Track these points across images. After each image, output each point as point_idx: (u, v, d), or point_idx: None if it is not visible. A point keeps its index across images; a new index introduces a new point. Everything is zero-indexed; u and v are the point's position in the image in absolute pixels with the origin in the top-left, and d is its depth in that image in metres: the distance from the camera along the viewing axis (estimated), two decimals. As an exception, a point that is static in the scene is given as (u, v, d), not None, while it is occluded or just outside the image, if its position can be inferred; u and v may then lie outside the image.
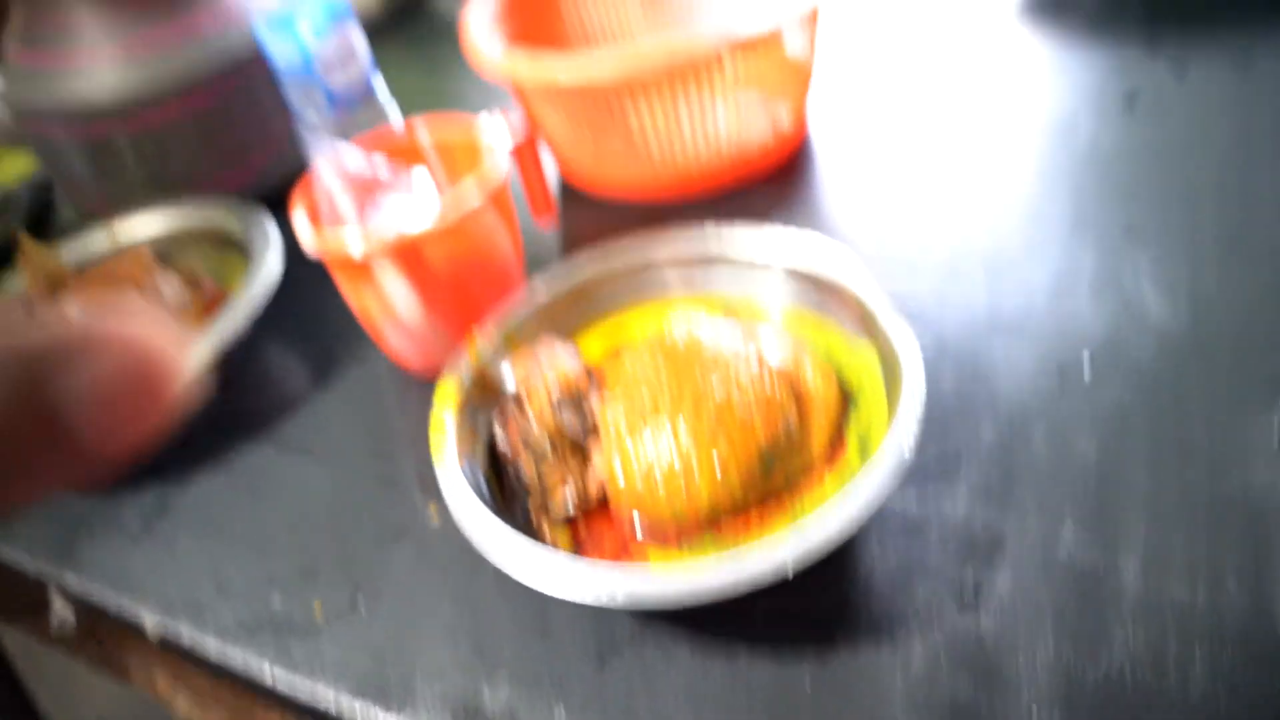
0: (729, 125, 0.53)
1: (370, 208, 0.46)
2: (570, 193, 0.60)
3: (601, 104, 0.52)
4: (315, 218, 0.46)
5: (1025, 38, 0.67)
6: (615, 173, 0.57)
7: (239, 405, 0.50)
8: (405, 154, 0.49)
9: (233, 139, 0.64)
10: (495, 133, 0.46)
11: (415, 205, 0.45)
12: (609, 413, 0.36)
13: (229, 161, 0.65)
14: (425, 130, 0.49)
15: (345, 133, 0.58)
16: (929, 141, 0.58)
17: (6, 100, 0.65)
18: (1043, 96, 0.60)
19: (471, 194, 0.42)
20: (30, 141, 0.67)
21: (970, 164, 0.56)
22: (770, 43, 0.50)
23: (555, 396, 0.36)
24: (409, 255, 0.42)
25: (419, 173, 0.47)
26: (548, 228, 0.56)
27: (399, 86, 0.67)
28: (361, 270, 0.43)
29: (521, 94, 0.55)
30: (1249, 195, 0.49)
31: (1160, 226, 0.48)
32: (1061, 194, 0.52)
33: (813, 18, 0.53)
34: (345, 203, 0.47)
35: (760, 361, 0.36)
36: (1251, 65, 0.59)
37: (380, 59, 0.64)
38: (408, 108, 0.66)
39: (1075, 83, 0.61)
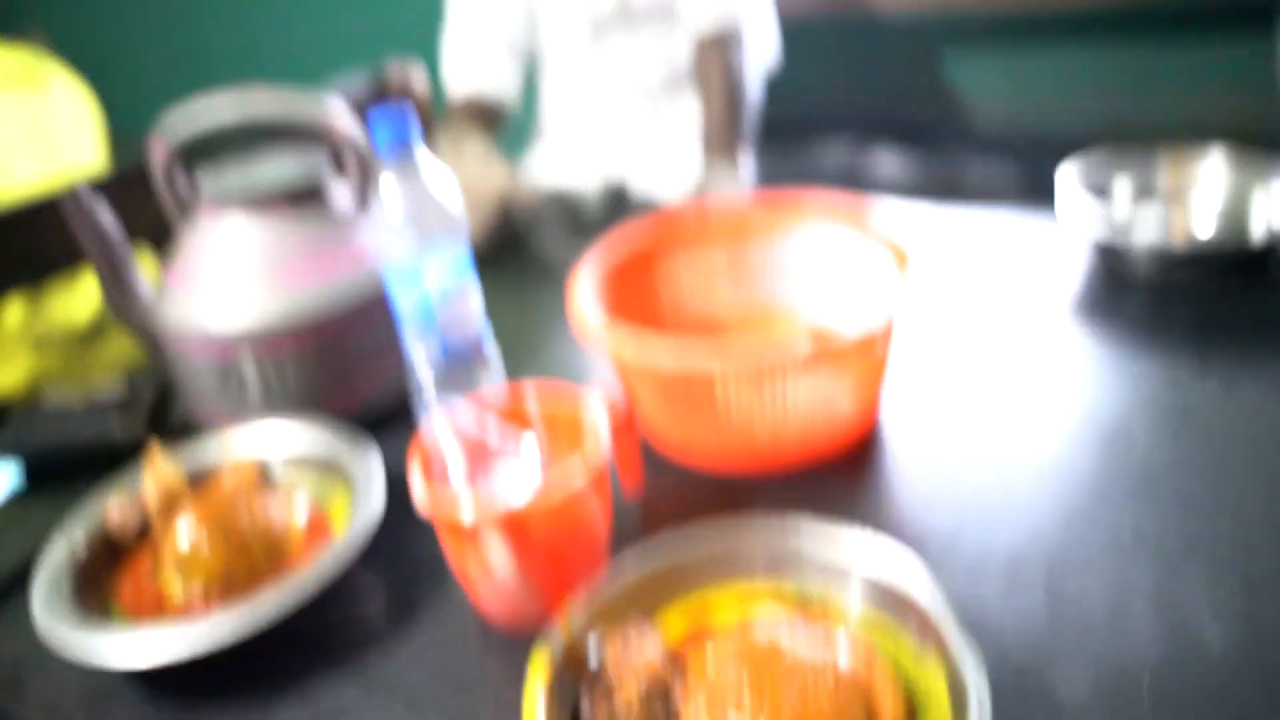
0: (808, 411, 0.58)
1: (478, 468, 0.51)
2: (652, 456, 0.64)
3: (693, 385, 0.57)
4: (428, 471, 0.50)
5: (1079, 339, 0.72)
6: (699, 445, 0.62)
7: (327, 636, 0.53)
8: (512, 415, 0.54)
9: (346, 367, 0.71)
10: (599, 412, 0.51)
11: (521, 474, 0.50)
12: (692, 707, 0.38)
13: (340, 386, 0.71)
14: (534, 397, 0.54)
15: (453, 381, 0.63)
16: (991, 437, 0.62)
17: (151, 312, 0.72)
18: (1099, 402, 0.64)
19: (577, 474, 0.47)
20: (163, 350, 0.74)
21: (1030, 464, 0.59)
22: (854, 345, 0.56)
23: (642, 687, 0.39)
24: (513, 526, 0.46)
25: (527, 441, 0.52)
26: (633, 499, 0.60)
27: (496, 318, 0.72)
28: (467, 533, 0.47)
29: (619, 364, 0.61)
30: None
31: (1215, 546, 0.50)
32: (1118, 503, 0.55)
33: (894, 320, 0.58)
34: (456, 460, 0.51)
35: (835, 672, 0.39)
36: (1298, 387, 0.63)
37: (483, 288, 0.70)
38: (504, 342, 0.72)
39: (1129, 391, 0.65)
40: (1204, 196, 0.84)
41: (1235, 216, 0.82)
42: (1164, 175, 0.85)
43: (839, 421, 0.60)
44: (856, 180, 1.53)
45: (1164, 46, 1.51)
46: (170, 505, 0.60)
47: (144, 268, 0.75)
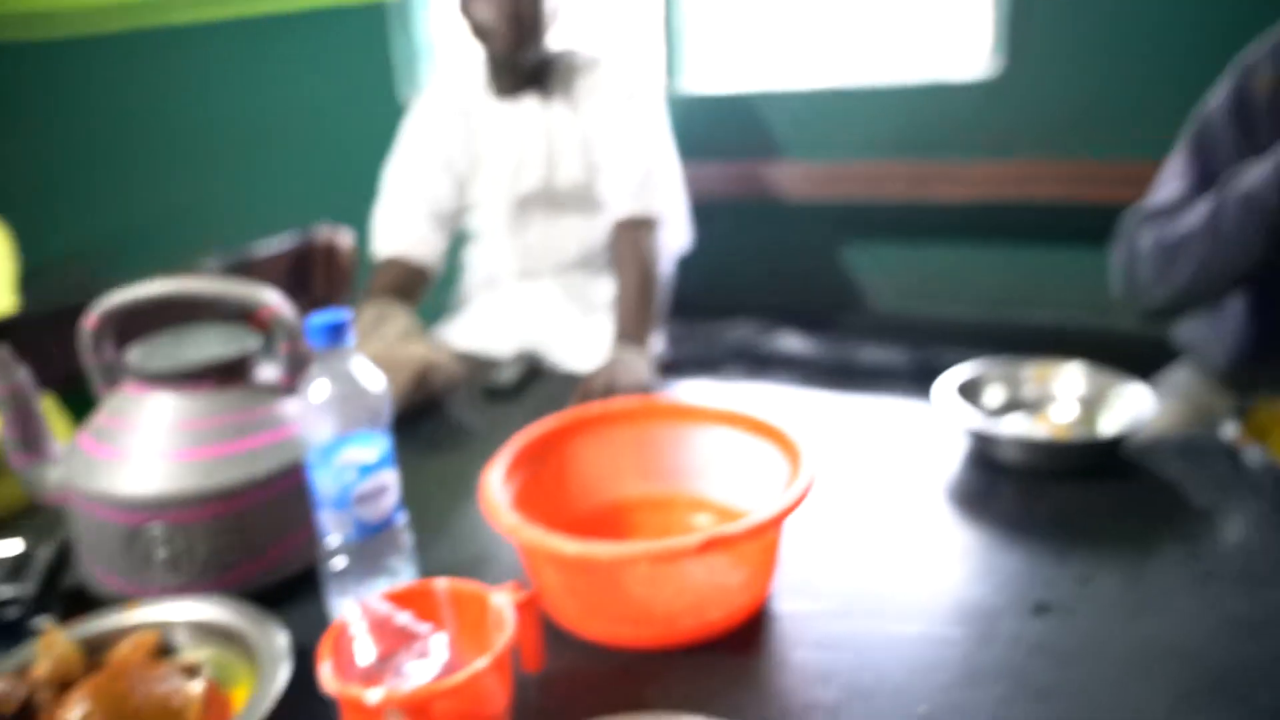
0: (702, 593, 0.62)
1: (385, 650, 0.53)
2: (553, 629, 0.67)
3: (594, 572, 0.61)
4: (336, 649, 0.52)
5: (953, 525, 0.79)
6: (598, 621, 0.65)
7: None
8: (421, 600, 0.57)
9: (257, 538, 0.71)
10: (505, 604, 0.54)
11: (429, 662, 0.52)
12: None
13: (249, 557, 0.71)
14: (445, 590, 0.57)
15: (365, 558, 0.65)
16: (870, 617, 0.67)
17: (61, 475, 0.72)
18: (969, 588, 0.70)
19: (481, 662, 0.49)
20: (69, 514, 0.73)
21: (905, 645, 0.64)
22: (746, 535, 0.60)
23: None
24: (416, 707, 0.48)
25: (435, 635, 0.54)
26: (533, 671, 0.62)
27: (410, 482, 0.74)
28: (370, 712, 0.48)
29: (523, 547, 0.64)
30: (1147, 700, 0.57)
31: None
32: (985, 687, 0.59)
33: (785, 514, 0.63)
34: (363, 640, 0.53)
35: None
36: (1142, 578, 0.70)
37: (397, 452, 0.72)
38: (416, 506, 0.73)
39: (997, 579, 0.71)
40: (1064, 403, 0.94)
41: (1090, 418, 0.92)
42: (1029, 385, 0.96)
43: (731, 601, 0.64)
44: (759, 359, 1.63)
45: (1039, 247, 1.69)
46: (61, 681, 0.59)
47: (50, 417, 0.75)
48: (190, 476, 0.68)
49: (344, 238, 1.61)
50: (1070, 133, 1.60)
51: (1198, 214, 0.95)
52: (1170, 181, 1.04)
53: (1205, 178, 1.00)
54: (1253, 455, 0.78)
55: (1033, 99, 1.63)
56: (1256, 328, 1.07)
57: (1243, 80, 0.97)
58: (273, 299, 0.72)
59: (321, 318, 0.62)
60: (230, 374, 0.73)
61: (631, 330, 1.22)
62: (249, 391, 0.74)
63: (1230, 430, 0.80)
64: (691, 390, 1.23)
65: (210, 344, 0.75)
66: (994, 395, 0.95)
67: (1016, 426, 0.90)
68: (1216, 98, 1.00)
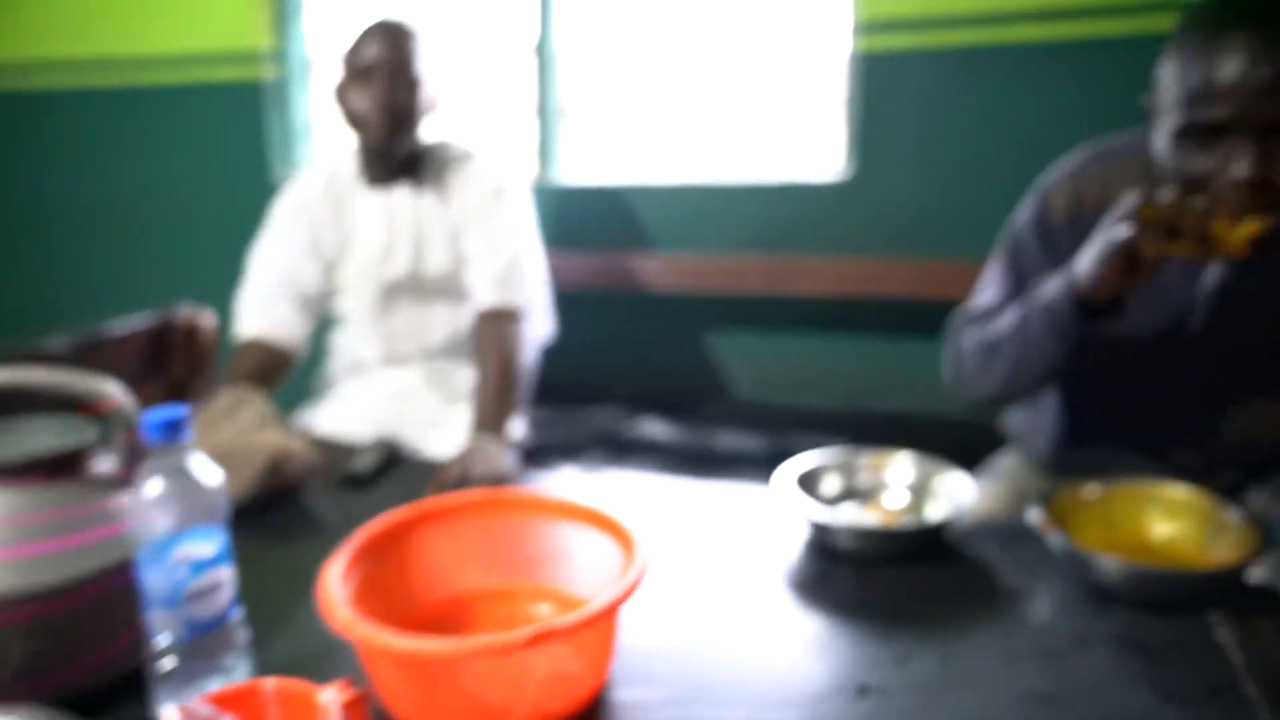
0: (536, 685, 0.64)
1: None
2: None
3: (426, 667, 0.62)
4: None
5: (793, 611, 0.83)
6: (433, 714, 0.65)
7: None
8: (247, 700, 0.56)
9: (77, 639, 0.68)
10: (332, 703, 0.55)
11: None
12: None
13: (68, 659, 0.68)
14: (273, 689, 0.57)
15: (196, 658, 0.64)
16: (708, 703, 0.69)
17: None
18: (802, 672, 0.74)
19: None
20: None
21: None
22: (576, 628, 0.62)
23: None
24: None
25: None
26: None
27: (255, 572, 0.73)
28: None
29: (360, 646, 0.64)
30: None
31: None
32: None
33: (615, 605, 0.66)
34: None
35: None
36: (955, 656, 0.75)
37: (242, 543, 0.71)
38: (256, 600, 0.72)
39: (828, 664, 0.75)
40: (895, 490, 1.01)
41: (919, 505, 0.98)
42: (864, 474, 1.02)
43: (566, 692, 0.66)
44: (621, 445, 1.68)
45: (886, 340, 1.81)
46: None
47: None
48: (6, 576, 0.66)
49: (206, 318, 1.57)
50: (914, 235, 1.74)
51: (1009, 319, 1.05)
52: (989, 288, 1.14)
53: (1018, 284, 1.10)
54: (1054, 540, 0.85)
55: (880, 203, 1.76)
56: (1069, 418, 1.18)
57: (1043, 201, 1.08)
58: (111, 391, 0.71)
59: (157, 414, 0.62)
60: (59, 467, 0.71)
61: (489, 420, 1.24)
62: (79, 485, 0.71)
63: (1035, 516, 0.88)
64: (550, 479, 1.26)
65: (41, 435, 0.73)
66: (831, 484, 1.01)
67: (850, 515, 0.95)
68: (1023, 214, 1.11)
